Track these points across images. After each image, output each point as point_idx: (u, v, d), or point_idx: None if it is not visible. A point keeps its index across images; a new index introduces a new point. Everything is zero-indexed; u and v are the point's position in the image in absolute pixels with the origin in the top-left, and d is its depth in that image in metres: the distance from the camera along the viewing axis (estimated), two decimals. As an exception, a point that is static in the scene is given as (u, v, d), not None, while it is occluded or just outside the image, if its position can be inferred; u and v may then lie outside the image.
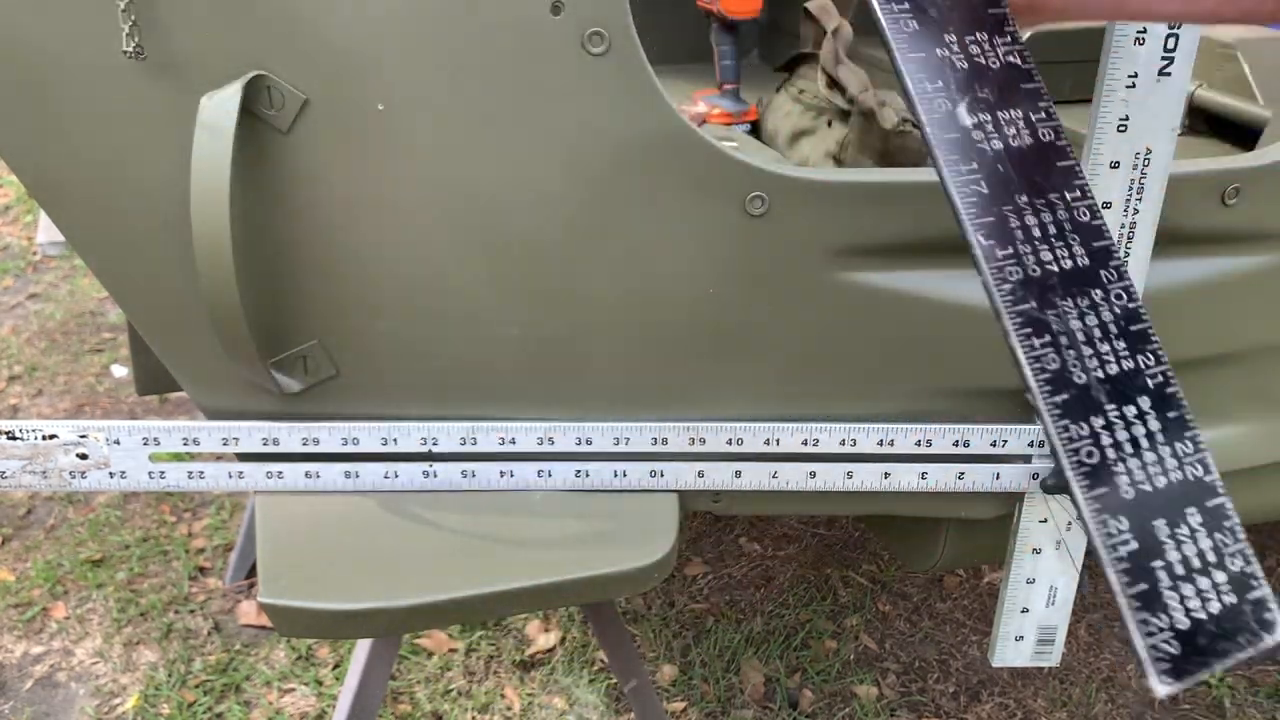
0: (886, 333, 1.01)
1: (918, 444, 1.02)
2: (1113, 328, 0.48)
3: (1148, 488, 0.46)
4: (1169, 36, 0.88)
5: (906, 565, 2.04)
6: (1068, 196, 0.50)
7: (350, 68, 0.86)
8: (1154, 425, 0.47)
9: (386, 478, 0.99)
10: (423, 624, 1.11)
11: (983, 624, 1.95)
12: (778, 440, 1.01)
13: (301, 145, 0.88)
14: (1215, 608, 0.45)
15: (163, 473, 0.97)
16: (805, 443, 1.01)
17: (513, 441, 0.99)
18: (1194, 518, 0.46)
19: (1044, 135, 0.51)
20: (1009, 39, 0.52)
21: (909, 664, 1.86)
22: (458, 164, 0.89)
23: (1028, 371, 0.47)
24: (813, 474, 1.02)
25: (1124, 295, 0.49)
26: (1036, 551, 1.08)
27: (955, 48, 0.51)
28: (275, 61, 0.85)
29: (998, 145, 0.50)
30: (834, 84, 1.43)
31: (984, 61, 0.51)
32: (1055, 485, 1.04)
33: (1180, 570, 0.45)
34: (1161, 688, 0.44)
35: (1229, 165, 1.03)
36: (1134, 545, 0.45)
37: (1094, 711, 1.77)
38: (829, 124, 1.47)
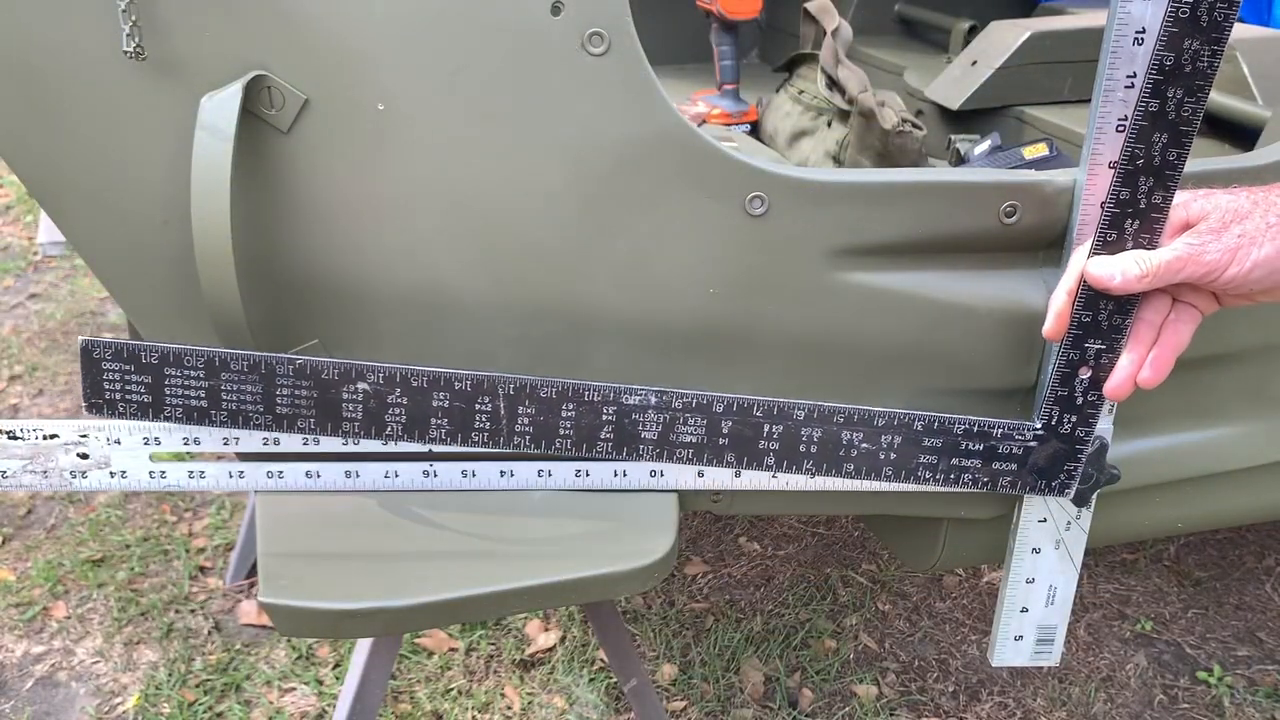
0: (886, 333, 1.01)
1: (917, 444, 1.02)
2: None
3: None
4: (1168, 37, 0.88)
5: (906, 565, 2.04)
6: None
7: (350, 68, 0.86)
8: None
9: (386, 477, 0.99)
10: (423, 624, 1.11)
11: (982, 623, 1.96)
12: (777, 440, 1.01)
13: (301, 145, 0.88)
14: None
15: (163, 472, 0.97)
16: (805, 442, 1.01)
17: (513, 441, 0.99)
18: None
19: None
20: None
21: (908, 663, 1.87)
22: (458, 164, 0.89)
23: None
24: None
25: None
26: (1036, 551, 1.08)
27: None
28: (275, 61, 0.85)
29: None
30: (833, 84, 1.43)
31: None
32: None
33: None
34: None
35: (1228, 165, 1.03)
36: None
37: (1093, 711, 1.77)
38: (828, 124, 1.47)
